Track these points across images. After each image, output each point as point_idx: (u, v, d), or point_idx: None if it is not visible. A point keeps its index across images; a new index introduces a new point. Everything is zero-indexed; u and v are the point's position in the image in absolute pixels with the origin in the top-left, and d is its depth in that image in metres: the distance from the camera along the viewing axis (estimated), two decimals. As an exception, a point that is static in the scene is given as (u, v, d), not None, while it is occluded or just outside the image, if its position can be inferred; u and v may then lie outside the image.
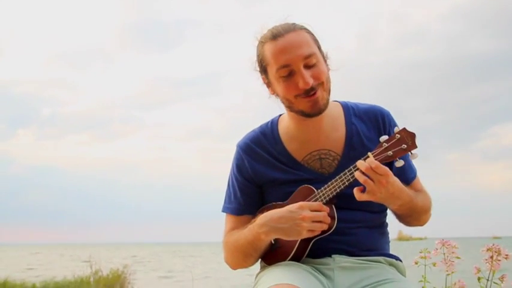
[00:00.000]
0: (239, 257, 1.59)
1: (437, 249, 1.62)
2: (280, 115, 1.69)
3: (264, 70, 1.56)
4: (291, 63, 1.47)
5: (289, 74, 1.48)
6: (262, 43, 1.54)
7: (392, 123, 1.60)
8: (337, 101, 1.65)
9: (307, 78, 1.46)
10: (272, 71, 1.51)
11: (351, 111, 1.63)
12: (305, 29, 1.53)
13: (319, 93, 1.49)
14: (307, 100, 1.49)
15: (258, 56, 1.57)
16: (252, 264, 1.62)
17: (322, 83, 1.49)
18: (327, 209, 1.44)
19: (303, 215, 1.41)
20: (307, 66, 1.48)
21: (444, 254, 1.58)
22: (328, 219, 1.44)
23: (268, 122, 1.69)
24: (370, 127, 1.60)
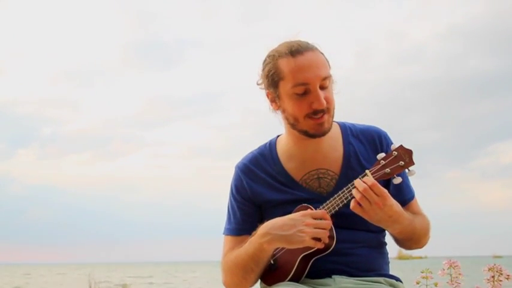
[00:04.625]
0: (238, 274, 1.56)
1: (444, 269, 1.59)
2: (278, 136, 1.69)
3: (274, 84, 1.53)
4: (309, 83, 1.47)
5: (304, 92, 1.48)
6: (275, 57, 1.52)
7: (389, 144, 1.59)
8: (334, 121, 1.64)
9: (322, 99, 1.47)
10: (286, 86, 1.50)
11: (348, 132, 1.64)
12: (319, 50, 1.53)
13: (326, 117, 1.51)
14: (313, 122, 1.50)
15: (269, 70, 1.53)
16: (252, 282, 1.59)
17: (329, 109, 1.51)
18: (329, 218, 1.43)
19: (306, 221, 1.41)
20: (322, 88, 1.49)
21: (451, 275, 1.55)
22: (330, 225, 1.43)
23: (266, 143, 1.69)
24: (367, 147, 1.61)
